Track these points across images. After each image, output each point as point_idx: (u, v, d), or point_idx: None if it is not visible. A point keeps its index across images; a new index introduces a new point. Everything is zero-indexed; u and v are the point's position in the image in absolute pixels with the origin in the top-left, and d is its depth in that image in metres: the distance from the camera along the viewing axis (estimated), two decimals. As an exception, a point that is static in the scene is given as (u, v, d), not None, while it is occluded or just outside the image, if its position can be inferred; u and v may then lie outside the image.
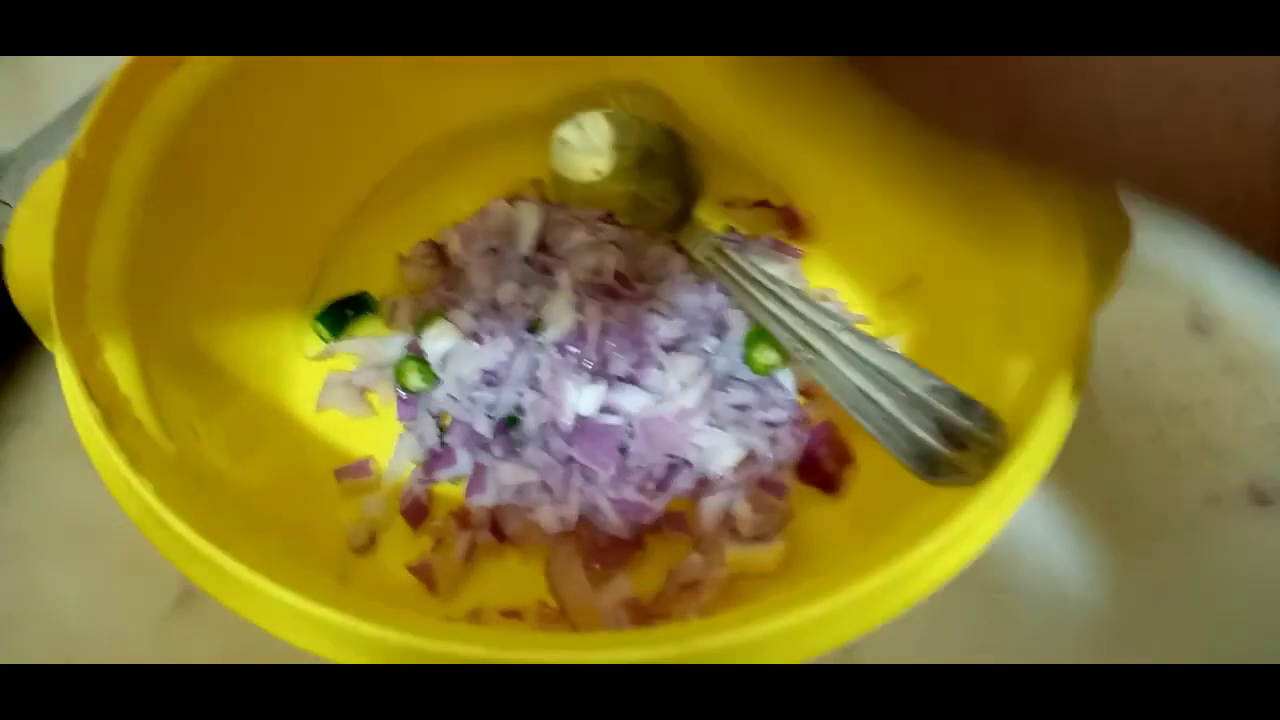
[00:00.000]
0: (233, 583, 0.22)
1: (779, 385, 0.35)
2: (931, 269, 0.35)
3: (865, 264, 0.38)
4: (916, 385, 0.27)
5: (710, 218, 0.40)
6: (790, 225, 0.40)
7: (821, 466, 0.34)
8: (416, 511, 0.34)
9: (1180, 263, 0.43)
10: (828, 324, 0.30)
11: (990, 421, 0.25)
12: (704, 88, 0.39)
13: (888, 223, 0.36)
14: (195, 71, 0.32)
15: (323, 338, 0.37)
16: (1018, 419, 0.25)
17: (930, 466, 0.25)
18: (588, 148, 0.40)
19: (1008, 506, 0.23)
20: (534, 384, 0.33)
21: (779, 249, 0.39)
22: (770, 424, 0.35)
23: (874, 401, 0.28)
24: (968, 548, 0.23)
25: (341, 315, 0.37)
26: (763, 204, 0.40)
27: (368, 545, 0.34)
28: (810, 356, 0.30)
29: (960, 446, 0.25)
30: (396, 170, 0.40)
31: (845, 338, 0.30)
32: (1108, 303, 0.31)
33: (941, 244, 0.34)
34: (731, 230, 0.40)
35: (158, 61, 0.31)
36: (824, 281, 0.39)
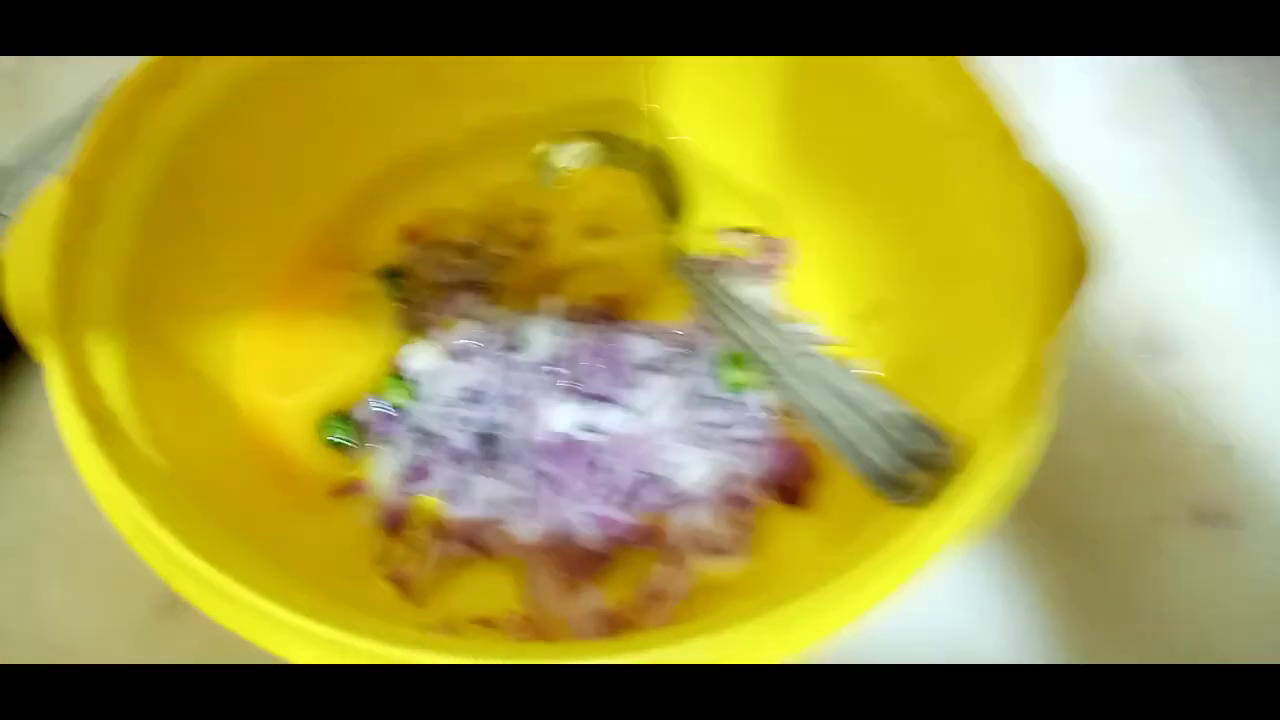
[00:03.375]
0: (220, 596, 0.23)
1: (749, 404, 0.36)
2: (901, 295, 0.37)
3: (842, 288, 0.40)
4: (874, 409, 0.28)
5: (696, 242, 0.42)
6: (774, 252, 0.41)
7: (789, 483, 0.35)
8: (395, 522, 0.35)
9: (1137, 287, 0.45)
10: (792, 349, 0.32)
11: (943, 444, 0.26)
12: (695, 108, 0.41)
13: (865, 249, 0.38)
14: (191, 90, 0.33)
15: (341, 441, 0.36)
16: (973, 442, 0.26)
17: (886, 485, 0.27)
18: (572, 168, 0.41)
19: (958, 523, 0.25)
20: (512, 402, 0.34)
21: (759, 272, 0.40)
22: (740, 441, 0.36)
23: (833, 424, 0.29)
24: (917, 560, 0.24)
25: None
26: (750, 231, 0.42)
27: (349, 555, 0.35)
28: (775, 377, 0.31)
29: (916, 467, 0.27)
30: (387, 178, 0.40)
31: (805, 364, 0.31)
32: (1063, 330, 0.32)
33: (909, 271, 0.36)
34: (716, 252, 0.41)
35: (154, 80, 0.32)
36: (805, 304, 0.40)
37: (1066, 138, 0.49)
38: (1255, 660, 0.36)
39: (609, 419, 0.33)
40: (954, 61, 0.32)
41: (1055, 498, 0.39)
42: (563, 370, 0.34)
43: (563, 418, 0.33)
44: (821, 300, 0.40)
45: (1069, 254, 0.31)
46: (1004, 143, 0.31)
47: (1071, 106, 0.50)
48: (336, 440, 0.36)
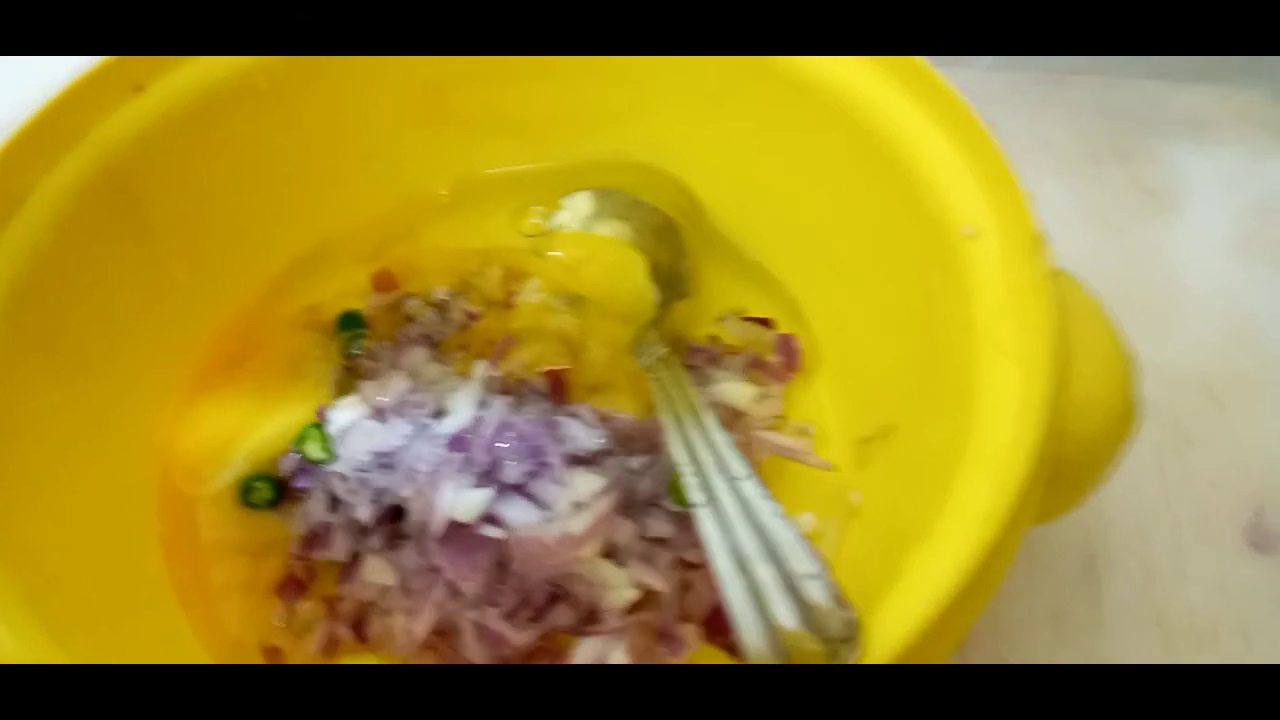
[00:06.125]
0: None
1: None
2: (908, 422, 0.31)
3: (854, 402, 0.34)
4: (799, 565, 0.22)
5: (693, 326, 0.37)
6: (785, 352, 0.36)
7: (735, 626, 0.29)
8: (291, 589, 0.31)
9: (1245, 455, 0.36)
10: (737, 469, 0.26)
11: (852, 630, 0.20)
12: (721, 176, 0.36)
13: (884, 363, 0.32)
14: (155, 95, 0.31)
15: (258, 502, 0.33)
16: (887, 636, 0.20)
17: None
18: (569, 227, 0.37)
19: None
20: (414, 477, 0.30)
21: (756, 368, 0.35)
22: (688, 565, 0.30)
23: (749, 571, 0.23)
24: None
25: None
26: (763, 322, 0.36)
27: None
28: (704, 499, 0.26)
29: (816, 641, 0.21)
30: (376, 217, 0.37)
31: (747, 488, 0.25)
32: (1072, 508, 0.26)
33: (920, 396, 0.30)
34: (713, 339, 0.36)
35: (112, 77, 0.30)
36: (807, 414, 0.35)
37: (1190, 262, 0.42)
38: None
39: (520, 514, 0.29)
40: (988, 159, 0.27)
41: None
42: (475, 450, 0.29)
43: (463, 505, 0.28)
44: (828, 412, 0.34)
45: (1098, 398, 0.24)
46: (1028, 247, 0.25)
47: (1200, 229, 0.42)
48: (252, 502, 0.32)
